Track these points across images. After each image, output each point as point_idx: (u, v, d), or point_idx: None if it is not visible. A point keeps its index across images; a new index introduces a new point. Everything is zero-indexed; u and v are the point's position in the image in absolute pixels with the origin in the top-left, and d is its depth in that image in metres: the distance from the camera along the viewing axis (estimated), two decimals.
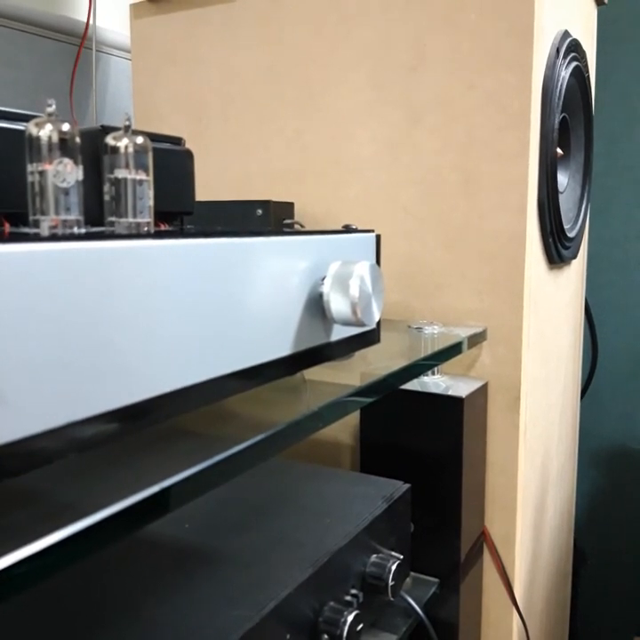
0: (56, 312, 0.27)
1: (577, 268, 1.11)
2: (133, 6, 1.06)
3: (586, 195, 1.03)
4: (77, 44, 1.12)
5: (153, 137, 0.37)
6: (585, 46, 0.96)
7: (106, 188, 0.34)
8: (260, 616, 0.46)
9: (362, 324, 0.45)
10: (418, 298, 0.86)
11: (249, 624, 0.44)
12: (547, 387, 0.95)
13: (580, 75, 0.93)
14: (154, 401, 0.33)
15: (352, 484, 0.69)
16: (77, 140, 0.30)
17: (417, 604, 0.68)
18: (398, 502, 0.66)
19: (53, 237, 0.27)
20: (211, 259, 0.36)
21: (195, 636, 0.44)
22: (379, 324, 0.53)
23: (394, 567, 0.60)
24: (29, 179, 0.30)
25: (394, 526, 0.66)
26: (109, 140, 0.33)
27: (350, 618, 0.53)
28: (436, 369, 0.82)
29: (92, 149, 0.37)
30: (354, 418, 0.84)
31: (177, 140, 0.48)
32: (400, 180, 0.86)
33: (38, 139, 0.29)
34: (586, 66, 0.96)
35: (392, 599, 0.61)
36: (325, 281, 0.45)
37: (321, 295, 0.45)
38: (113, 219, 0.34)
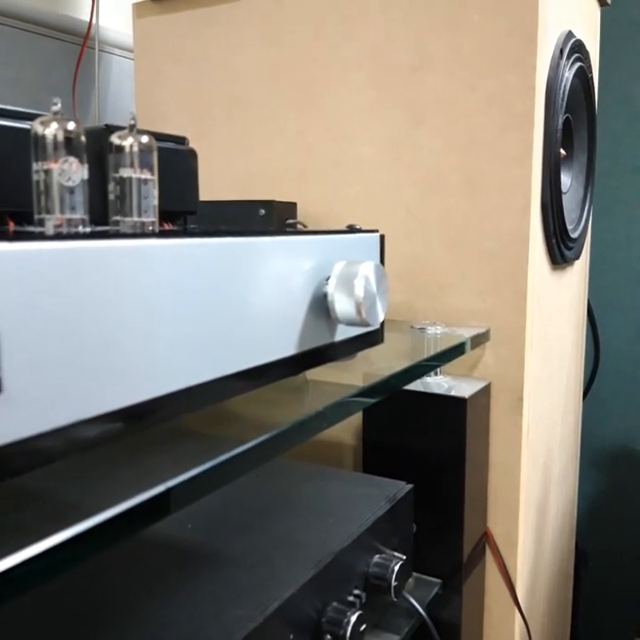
0: (60, 311, 0.27)
1: (579, 269, 1.11)
2: (136, 6, 1.06)
3: (589, 195, 1.03)
4: (80, 43, 1.12)
5: (157, 136, 0.37)
6: (588, 47, 0.96)
7: (110, 187, 0.34)
8: (263, 616, 0.45)
9: (366, 324, 0.44)
10: (420, 298, 0.86)
11: (252, 624, 0.44)
12: (549, 387, 0.95)
13: (583, 75, 0.92)
14: (157, 401, 0.33)
15: (355, 485, 0.69)
16: (83, 138, 0.30)
17: (419, 604, 0.68)
18: (401, 503, 0.66)
19: (58, 236, 0.27)
20: (215, 258, 0.36)
21: (198, 636, 0.44)
22: (382, 324, 0.53)
23: (397, 567, 0.60)
24: (35, 177, 0.30)
25: (397, 527, 0.65)
26: (114, 139, 0.33)
27: (353, 618, 0.53)
28: (438, 369, 0.82)
29: (97, 148, 0.37)
30: (356, 418, 0.84)
31: (181, 140, 0.48)
32: (402, 181, 0.86)
33: (44, 137, 0.29)
34: (589, 66, 0.96)
35: (395, 599, 0.61)
36: (330, 281, 0.45)
37: (325, 295, 0.45)
38: (117, 218, 0.34)
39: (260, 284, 0.39)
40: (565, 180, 0.95)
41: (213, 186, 1.00)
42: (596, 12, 1.09)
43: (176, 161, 0.47)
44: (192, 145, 0.50)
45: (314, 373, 0.49)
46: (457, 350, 0.71)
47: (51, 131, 0.29)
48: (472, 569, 0.81)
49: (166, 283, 0.32)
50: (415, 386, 0.78)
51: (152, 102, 1.06)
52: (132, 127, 0.34)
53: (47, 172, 0.29)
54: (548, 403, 0.96)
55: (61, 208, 0.30)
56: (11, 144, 0.34)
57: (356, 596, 0.57)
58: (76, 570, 0.27)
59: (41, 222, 0.30)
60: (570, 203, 0.94)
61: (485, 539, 0.84)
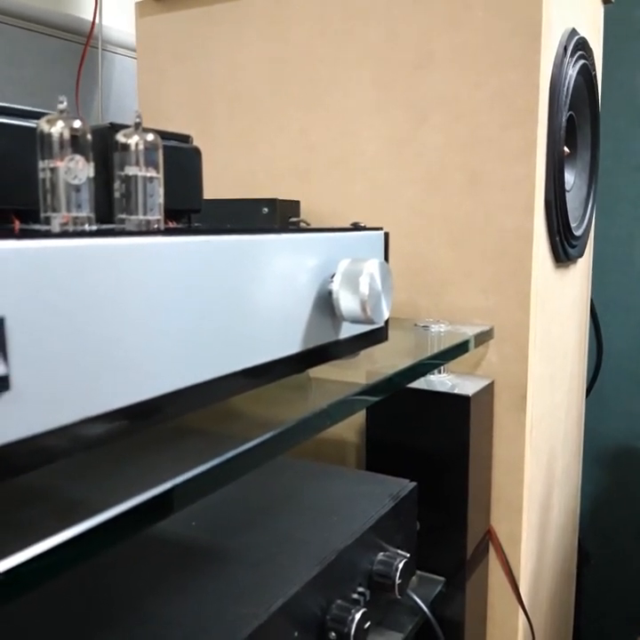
0: (66, 309, 0.27)
1: (583, 267, 1.10)
2: (139, 5, 1.06)
3: (592, 193, 1.03)
4: (83, 42, 1.12)
5: (161, 134, 0.37)
6: (592, 44, 0.96)
7: (116, 185, 0.34)
8: (267, 614, 0.45)
9: (371, 322, 0.44)
10: (424, 296, 0.86)
11: (257, 622, 0.44)
12: (552, 385, 0.95)
13: (587, 73, 0.92)
14: (162, 399, 0.33)
15: (358, 483, 0.69)
16: (89, 136, 0.30)
17: (423, 602, 0.68)
18: (404, 501, 0.66)
19: (64, 234, 0.27)
20: (220, 256, 0.36)
21: (203, 634, 0.44)
22: (387, 321, 0.53)
23: (400, 565, 0.60)
24: (41, 175, 0.30)
25: (400, 525, 0.65)
26: (120, 138, 0.33)
27: (358, 616, 0.53)
28: (442, 367, 0.82)
29: (101, 147, 0.37)
30: (360, 416, 0.84)
31: (185, 138, 0.48)
32: (405, 179, 0.86)
33: (50, 135, 0.29)
34: (593, 64, 0.96)
35: (399, 597, 0.61)
36: (335, 278, 0.45)
37: (330, 293, 0.45)
38: (123, 216, 0.34)
39: (264, 282, 0.39)
40: (569, 177, 0.94)
41: (216, 184, 1.00)
42: (599, 10, 1.09)
43: (181, 159, 0.47)
44: (195, 143, 0.50)
45: (317, 371, 0.49)
46: (460, 348, 0.71)
47: (57, 129, 0.29)
48: (475, 567, 0.81)
49: (171, 280, 0.32)
50: (419, 384, 0.78)
51: (155, 101, 1.06)
52: (137, 125, 0.34)
53: (53, 170, 0.29)
54: (551, 400, 0.96)
55: (67, 206, 0.30)
56: (17, 142, 0.34)
57: (360, 593, 0.57)
58: (79, 568, 0.27)
59: (47, 220, 0.30)
60: (573, 201, 0.94)
61: (489, 536, 0.84)
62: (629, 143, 1.46)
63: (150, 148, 0.33)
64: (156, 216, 0.34)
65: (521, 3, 0.77)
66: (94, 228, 0.31)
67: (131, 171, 0.33)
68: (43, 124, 0.29)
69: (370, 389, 0.52)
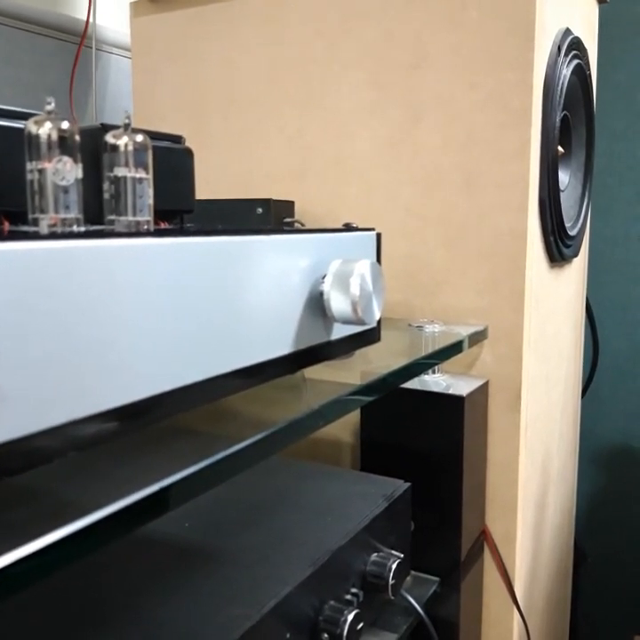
0: (55, 310, 0.27)
1: (578, 267, 1.11)
2: (133, 5, 1.06)
3: (587, 193, 1.03)
4: (77, 42, 1.12)
5: (153, 135, 0.37)
6: (586, 44, 0.96)
7: (105, 186, 0.34)
8: (260, 614, 0.45)
9: (362, 323, 0.44)
10: (418, 296, 0.86)
11: (249, 623, 0.44)
12: (547, 385, 0.95)
13: (581, 73, 0.92)
14: (154, 399, 0.33)
15: (352, 483, 0.69)
16: (77, 137, 0.30)
17: (417, 602, 0.68)
18: (398, 501, 0.66)
19: (53, 236, 0.27)
20: (211, 257, 0.36)
21: (195, 635, 0.44)
22: (379, 322, 0.53)
23: (394, 566, 0.60)
24: (29, 177, 0.30)
25: (394, 525, 0.65)
26: (109, 139, 0.33)
27: (350, 617, 0.53)
28: (436, 367, 0.82)
29: (92, 147, 0.37)
30: (354, 416, 0.84)
31: (177, 139, 0.48)
32: (401, 179, 0.86)
33: (37, 137, 0.29)
34: (587, 64, 0.96)
35: (392, 598, 0.61)
36: (326, 279, 0.45)
37: (321, 293, 0.45)
38: (112, 217, 0.34)
39: (255, 283, 0.39)
40: (563, 177, 0.95)
41: (212, 184, 1.00)
42: (594, 10, 1.09)
43: (172, 159, 0.47)
44: (190, 143, 0.50)
45: (311, 371, 0.49)
46: (455, 348, 0.71)
47: (44, 130, 0.29)
48: (470, 567, 0.81)
49: (162, 282, 0.32)
50: (413, 384, 0.78)
51: (150, 101, 1.06)
52: (126, 126, 0.34)
53: (41, 171, 0.29)
54: (547, 401, 0.96)
55: (55, 207, 0.30)
56: (5, 143, 0.34)
57: (353, 594, 0.57)
58: (72, 568, 0.27)
59: (35, 222, 0.30)
60: (568, 200, 0.94)
61: (483, 537, 0.84)
62: (624, 142, 1.46)
63: (140, 149, 0.33)
64: (146, 217, 0.34)
65: (515, 3, 0.77)
66: (82, 229, 0.31)
67: (120, 172, 0.33)
68: (30, 126, 0.29)
69: (364, 389, 0.52)
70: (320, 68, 0.91)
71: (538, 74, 0.78)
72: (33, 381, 0.27)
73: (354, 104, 0.89)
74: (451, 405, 0.75)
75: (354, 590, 0.58)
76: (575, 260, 1.05)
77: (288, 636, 0.48)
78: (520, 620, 0.87)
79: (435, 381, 0.80)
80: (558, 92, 0.83)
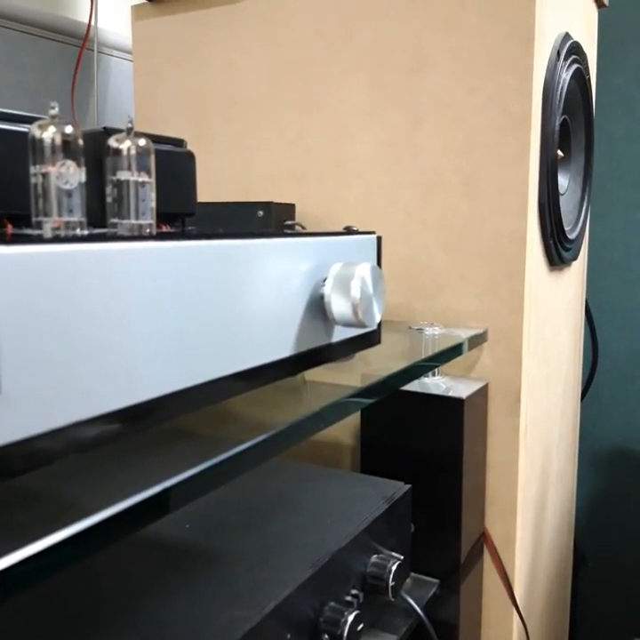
0: (58, 313, 0.27)
1: (577, 270, 1.11)
2: (134, 8, 1.06)
3: (586, 197, 1.03)
4: (79, 45, 1.12)
5: (154, 138, 0.38)
6: (586, 49, 0.96)
7: (108, 189, 0.34)
8: (260, 616, 0.46)
9: (363, 325, 0.45)
10: (419, 299, 0.86)
11: (250, 624, 0.45)
12: (547, 388, 0.96)
13: (580, 77, 0.93)
14: (155, 401, 0.33)
15: (353, 485, 0.69)
16: (80, 142, 0.30)
17: (417, 604, 0.68)
18: (399, 503, 0.67)
19: (56, 239, 0.28)
20: (212, 260, 0.36)
21: (196, 636, 0.44)
22: (379, 325, 0.53)
23: (394, 568, 0.60)
24: (32, 180, 0.30)
25: (394, 527, 0.66)
26: (112, 143, 0.34)
27: (351, 618, 0.53)
28: (436, 370, 0.82)
29: (95, 151, 0.38)
30: (354, 418, 0.84)
31: (178, 142, 0.49)
32: (401, 182, 0.87)
33: (41, 141, 0.29)
34: (587, 68, 0.96)
35: (392, 599, 0.61)
36: (326, 282, 0.45)
37: (322, 296, 0.45)
38: (115, 220, 0.34)
39: (256, 286, 0.40)
40: (563, 181, 0.95)
41: (213, 187, 1.00)
42: (593, 15, 1.09)
43: (174, 163, 0.47)
44: (191, 146, 0.50)
45: (312, 374, 0.49)
46: (454, 351, 0.72)
47: (48, 134, 0.29)
48: (470, 569, 0.81)
49: (164, 285, 0.33)
50: (413, 386, 0.78)
51: (151, 104, 1.06)
52: (129, 130, 0.34)
53: (45, 175, 0.29)
54: (546, 403, 0.96)
55: (59, 211, 0.30)
56: (9, 147, 0.35)
57: (353, 595, 0.58)
58: (73, 569, 0.28)
59: (39, 225, 0.30)
60: (567, 204, 0.95)
61: (483, 539, 0.85)
62: (623, 146, 1.47)
63: (142, 153, 0.34)
64: (148, 220, 0.35)
65: (514, 7, 0.77)
66: (86, 232, 0.31)
67: (123, 175, 0.33)
68: (34, 130, 0.29)
69: (364, 392, 0.52)
70: (320, 71, 0.91)
71: (537, 78, 0.79)
72: (35, 383, 0.27)
73: (354, 107, 0.89)
74: (450, 408, 0.75)
75: (354, 592, 0.58)
76: (574, 263, 1.05)
77: (288, 637, 0.49)
78: (519, 621, 0.87)
79: (435, 384, 0.80)
80: (558, 97, 0.83)
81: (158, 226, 0.40)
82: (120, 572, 0.52)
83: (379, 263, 0.54)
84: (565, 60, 0.85)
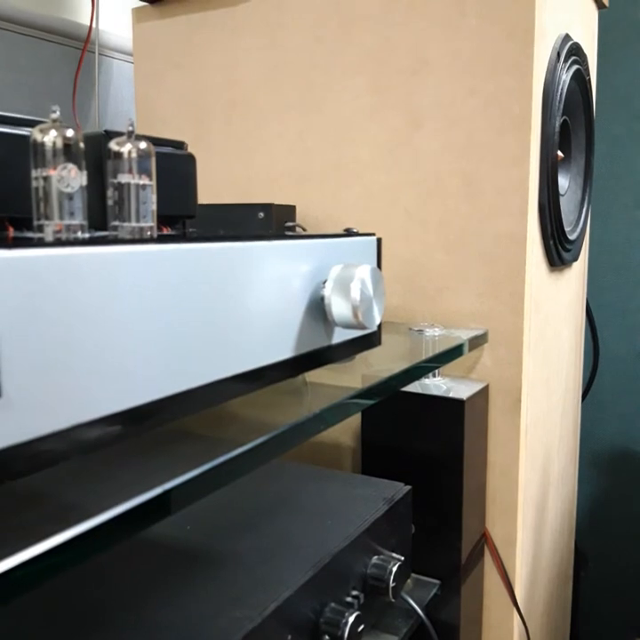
0: (59, 316, 0.27)
1: (578, 271, 1.11)
2: (135, 10, 1.06)
3: (587, 197, 1.03)
4: (80, 47, 1.13)
5: (155, 141, 0.38)
6: (586, 49, 0.96)
7: (109, 192, 0.34)
8: (261, 617, 0.46)
9: (363, 327, 0.45)
10: (419, 300, 0.87)
11: (250, 625, 0.45)
12: (548, 389, 0.96)
13: (580, 78, 0.93)
14: (157, 404, 0.33)
15: (353, 486, 0.70)
16: (81, 145, 0.30)
17: (418, 605, 0.68)
18: (399, 504, 0.67)
19: (57, 242, 0.28)
20: (213, 263, 0.36)
21: (196, 637, 0.44)
22: (380, 326, 0.53)
23: (395, 568, 0.61)
24: (34, 184, 0.30)
25: (395, 528, 0.66)
26: (113, 146, 0.34)
27: (351, 619, 0.53)
28: (437, 371, 0.82)
29: (96, 154, 0.38)
30: (355, 420, 0.84)
31: (179, 144, 0.49)
32: (401, 184, 0.87)
33: (43, 144, 0.30)
34: (587, 69, 0.96)
35: (393, 600, 0.61)
36: (327, 284, 0.45)
37: (322, 298, 0.45)
38: (116, 223, 0.35)
39: (257, 288, 0.40)
40: (563, 182, 0.95)
41: (213, 189, 1.01)
42: (593, 15, 1.09)
43: (174, 165, 0.47)
44: (192, 149, 0.50)
45: (313, 375, 0.49)
46: (455, 352, 0.72)
47: (49, 138, 0.29)
48: (471, 570, 0.81)
49: (164, 287, 0.33)
50: (413, 387, 0.78)
51: (152, 106, 1.06)
52: (130, 133, 0.34)
53: (46, 178, 0.30)
54: (547, 404, 0.96)
55: (60, 214, 0.30)
56: (10, 150, 0.35)
57: (354, 596, 0.58)
58: (75, 571, 0.28)
59: (40, 228, 0.30)
60: (568, 205, 0.95)
61: (484, 540, 0.85)
62: (624, 147, 1.47)
63: (143, 156, 0.34)
64: (149, 223, 0.35)
65: (514, 9, 0.77)
66: (87, 235, 0.31)
67: (123, 178, 0.34)
68: (36, 133, 0.30)
69: (365, 393, 0.52)
70: (321, 74, 0.91)
71: (537, 79, 0.79)
72: (37, 386, 0.27)
73: (354, 109, 0.89)
74: (451, 409, 0.75)
75: (355, 593, 0.58)
76: (575, 264, 1.06)
77: (289, 637, 0.49)
78: (520, 622, 0.87)
79: (435, 385, 0.80)
80: (558, 98, 0.83)
81: (159, 228, 0.40)
82: (121, 573, 0.52)
83: (379, 265, 0.54)
84: (565, 60, 0.85)
